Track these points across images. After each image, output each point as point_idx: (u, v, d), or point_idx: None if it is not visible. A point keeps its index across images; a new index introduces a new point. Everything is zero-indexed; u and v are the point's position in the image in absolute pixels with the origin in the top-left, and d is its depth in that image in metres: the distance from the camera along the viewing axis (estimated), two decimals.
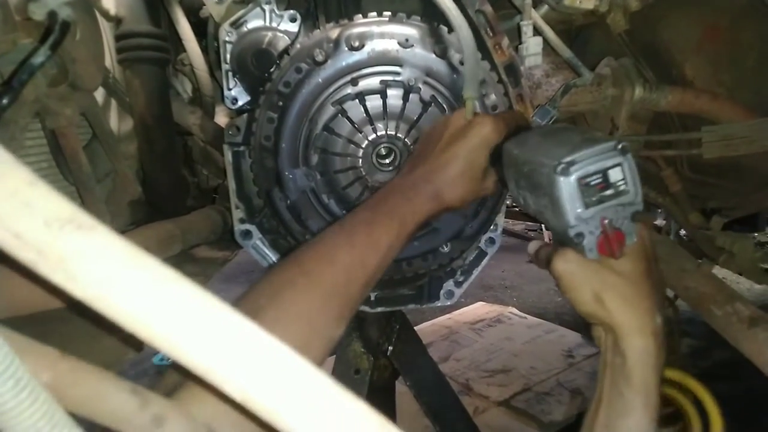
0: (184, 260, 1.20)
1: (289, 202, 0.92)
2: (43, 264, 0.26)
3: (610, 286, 0.67)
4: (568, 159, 0.63)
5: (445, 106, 0.89)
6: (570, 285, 0.69)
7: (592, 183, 0.64)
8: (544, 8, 1.03)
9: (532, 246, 0.81)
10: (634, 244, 0.67)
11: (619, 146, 0.64)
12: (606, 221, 0.65)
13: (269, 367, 0.28)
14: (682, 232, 3.31)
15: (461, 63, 0.88)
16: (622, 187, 0.65)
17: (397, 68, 0.88)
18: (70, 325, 0.65)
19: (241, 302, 0.59)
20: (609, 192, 0.65)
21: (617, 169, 0.65)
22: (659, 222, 2.57)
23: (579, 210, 0.64)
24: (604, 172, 0.64)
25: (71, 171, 0.97)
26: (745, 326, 0.92)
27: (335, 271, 0.64)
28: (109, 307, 0.27)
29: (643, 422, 0.65)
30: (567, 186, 0.63)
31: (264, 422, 0.28)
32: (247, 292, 0.61)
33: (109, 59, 1.14)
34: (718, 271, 1.34)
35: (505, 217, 1.03)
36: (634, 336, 0.65)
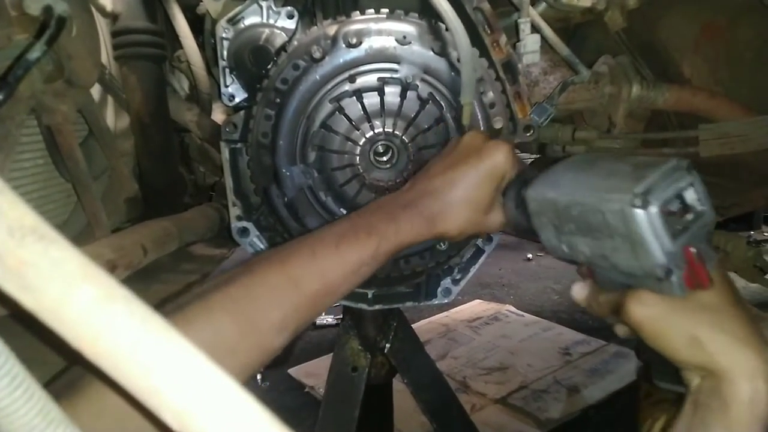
0: (180, 258, 1.20)
1: (286, 199, 0.92)
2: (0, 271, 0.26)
3: (707, 324, 0.57)
4: (640, 188, 0.54)
5: (442, 104, 0.89)
6: (658, 332, 0.59)
7: (673, 209, 0.56)
8: (542, 5, 1.03)
9: (579, 291, 0.69)
10: (713, 272, 0.58)
11: (684, 164, 0.57)
12: (693, 250, 0.56)
13: (204, 391, 0.27)
14: None
15: (459, 60, 0.88)
16: (699, 209, 0.57)
17: (394, 65, 0.88)
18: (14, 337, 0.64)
19: (181, 301, 0.57)
20: (690, 216, 0.57)
21: (691, 190, 0.57)
22: None
23: (668, 244, 0.54)
24: (680, 195, 0.56)
25: (67, 168, 0.97)
26: None
27: (283, 277, 0.61)
28: (58, 321, 0.26)
29: None
30: (650, 219, 0.54)
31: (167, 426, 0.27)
32: (201, 288, 0.59)
33: (106, 56, 1.13)
34: None
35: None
36: (742, 381, 0.55)
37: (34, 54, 0.66)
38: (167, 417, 0.27)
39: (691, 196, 0.57)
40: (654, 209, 0.54)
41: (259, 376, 2.77)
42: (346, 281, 0.65)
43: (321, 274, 0.63)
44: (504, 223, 0.76)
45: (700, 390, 0.58)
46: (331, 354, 1.27)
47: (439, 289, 1.02)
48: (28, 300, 0.26)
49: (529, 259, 4.60)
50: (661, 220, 0.54)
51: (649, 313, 0.59)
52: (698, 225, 0.57)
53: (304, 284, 0.61)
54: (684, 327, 0.57)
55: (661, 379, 0.67)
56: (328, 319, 3.48)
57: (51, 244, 0.27)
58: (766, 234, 4.18)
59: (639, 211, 0.54)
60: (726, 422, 0.55)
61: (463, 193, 0.71)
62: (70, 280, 0.26)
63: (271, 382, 2.77)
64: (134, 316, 0.27)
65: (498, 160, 0.71)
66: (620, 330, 0.68)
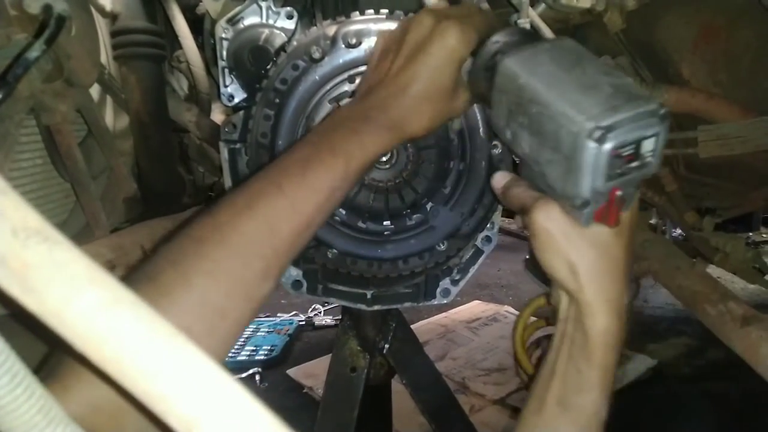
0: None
1: None
2: (3, 272, 0.26)
3: (588, 259, 0.61)
4: (607, 123, 0.52)
5: None
6: (547, 246, 0.63)
7: (624, 154, 0.54)
8: (541, 6, 1.04)
9: (500, 179, 0.72)
10: (624, 214, 0.61)
11: (662, 111, 0.54)
12: (619, 193, 0.56)
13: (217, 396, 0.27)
14: (677, 232, 3.33)
15: None
16: (648, 160, 0.56)
17: None
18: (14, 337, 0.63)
19: (143, 266, 0.53)
20: (635, 164, 0.56)
21: (652, 140, 0.55)
22: (654, 221, 2.59)
23: (600, 182, 0.54)
24: (638, 143, 0.55)
25: (66, 168, 0.97)
26: (737, 325, 0.92)
27: (256, 222, 0.56)
28: (62, 324, 0.26)
29: (599, 400, 0.62)
30: (598, 156, 0.53)
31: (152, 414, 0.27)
32: (155, 251, 0.54)
33: (105, 56, 1.13)
34: (713, 271, 1.35)
35: (502, 216, 1.03)
36: (600, 315, 0.61)
37: (34, 53, 0.66)
38: (174, 423, 0.26)
39: (648, 146, 0.55)
40: (607, 148, 0.52)
41: (257, 377, 2.77)
42: (321, 210, 0.61)
43: (293, 209, 0.58)
44: (469, 102, 0.73)
45: (567, 317, 0.64)
46: (330, 355, 1.27)
47: (438, 290, 1.02)
48: (31, 302, 0.26)
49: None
50: (606, 161, 0.53)
51: (548, 226, 0.62)
52: (639, 175, 0.57)
53: (279, 225, 0.57)
54: (570, 252, 0.61)
55: (532, 271, 0.73)
56: (326, 320, 3.48)
57: (55, 246, 0.26)
58: (764, 235, 4.19)
59: (592, 144, 0.52)
60: (587, 351, 0.62)
61: (421, 89, 0.66)
62: (75, 282, 0.26)
63: (269, 382, 2.77)
64: (141, 320, 0.27)
65: (451, 45, 0.65)
66: (517, 222, 0.72)
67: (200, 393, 0.26)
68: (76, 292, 0.26)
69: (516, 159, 0.73)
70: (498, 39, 0.67)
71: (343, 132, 0.64)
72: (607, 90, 0.55)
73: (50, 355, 0.48)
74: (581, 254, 0.61)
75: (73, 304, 0.26)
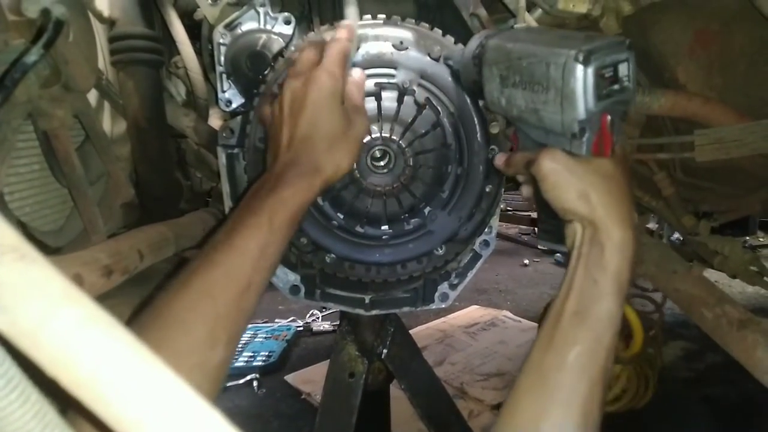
0: (176, 263, 1.19)
1: None
2: None
3: (596, 184, 0.68)
4: (588, 47, 0.61)
5: (439, 109, 0.90)
6: (557, 183, 0.70)
7: (606, 75, 0.63)
8: (538, 12, 1.04)
9: (501, 158, 0.82)
10: (617, 146, 0.69)
11: (627, 42, 0.64)
12: (609, 119, 0.65)
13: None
14: (674, 236, 3.33)
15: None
16: (626, 83, 0.65)
17: (391, 71, 0.88)
18: None
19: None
20: (616, 87, 0.64)
21: (625, 65, 0.64)
22: (652, 225, 2.59)
23: (592, 102, 0.62)
24: (615, 66, 0.64)
25: (63, 173, 0.97)
26: (734, 328, 0.93)
27: (193, 296, 0.60)
28: (35, 346, 0.25)
29: (614, 308, 0.66)
30: (586, 75, 0.61)
31: None
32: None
33: (102, 61, 1.13)
34: (711, 275, 1.35)
35: (499, 221, 1.03)
36: (615, 227, 0.67)
37: (32, 57, 0.66)
38: None
39: (623, 70, 0.64)
40: (592, 67, 0.61)
41: (255, 383, 2.76)
42: (258, 269, 0.65)
43: (228, 276, 0.62)
44: (367, 123, 0.80)
45: (582, 242, 0.69)
46: (328, 360, 1.26)
47: (437, 294, 1.02)
48: (2, 322, 0.25)
49: (525, 265, 4.61)
50: (593, 79, 0.61)
51: (555, 166, 0.69)
52: (620, 98, 0.65)
53: (217, 293, 0.61)
54: (579, 182, 0.68)
55: (544, 239, 0.80)
56: (324, 326, 3.47)
57: (32, 264, 0.26)
58: (761, 239, 4.20)
59: (579, 66, 0.61)
60: (602, 263, 0.67)
61: (321, 135, 0.73)
62: (51, 301, 0.25)
63: (267, 388, 2.75)
64: (118, 342, 0.26)
65: (324, 85, 0.73)
66: (525, 191, 0.81)
67: (180, 422, 0.26)
68: (51, 311, 0.25)
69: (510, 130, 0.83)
70: (478, 37, 0.79)
71: (261, 194, 0.69)
72: (580, 36, 0.67)
73: None
74: (589, 181, 0.68)
75: (48, 324, 0.25)
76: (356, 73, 0.82)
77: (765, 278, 1.51)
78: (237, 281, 0.63)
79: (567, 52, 0.62)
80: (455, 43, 0.89)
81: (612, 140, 0.66)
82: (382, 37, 0.87)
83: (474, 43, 0.78)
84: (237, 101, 0.95)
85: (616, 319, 0.67)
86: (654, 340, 1.96)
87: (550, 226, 0.77)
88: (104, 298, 0.77)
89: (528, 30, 0.74)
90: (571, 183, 0.69)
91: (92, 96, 1.11)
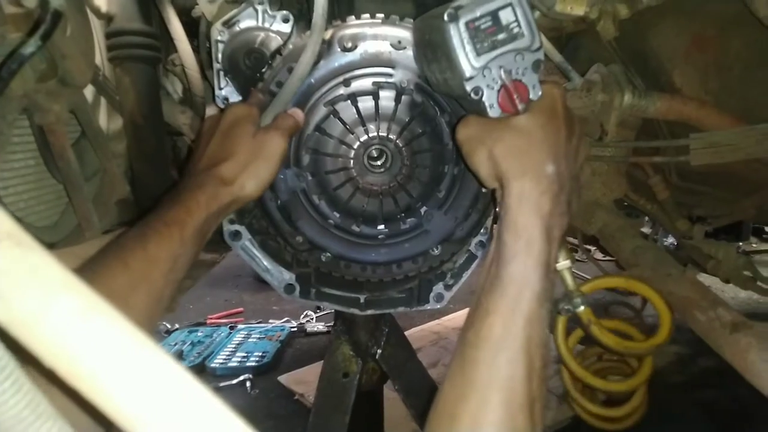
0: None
1: (279, 202, 0.92)
2: None
3: (501, 140, 0.65)
4: (454, 5, 0.61)
5: (436, 108, 0.90)
6: (470, 150, 0.68)
7: (482, 27, 0.61)
8: (535, 14, 1.04)
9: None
10: (540, 99, 0.65)
11: None
12: (503, 71, 0.62)
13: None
14: (668, 241, 3.35)
15: None
16: (515, 30, 0.62)
17: (389, 70, 0.88)
18: None
19: None
20: (501, 36, 0.62)
21: (508, 10, 0.62)
22: (646, 229, 2.60)
23: (471, 57, 0.61)
24: (493, 14, 0.62)
25: (59, 169, 0.96)
26: (726, 331, 0.93)
27: (111, 298, 0.59)
28: (32, 335, 0.24)
29: (527, 267, 0.61)
30: (455, 32, 0.61)
31: None
32: None
33: (99, 57, 1.13)
34: (705, 280, 1.35)
35: (495, 223, 1.03)
36: (512, 181, 0.64)
37: (29, 49, 0.65)
38: None
39: (507, 16, 0.62)
40: (460, 23, 0.60)
41: (248, 384, 2.75)
42: (169, 278, 0.65)
43: (141, 282, 0.62)
44: (282, 137, 0.81)
45: (499, 205, 0.66)
46: (322, 361, 1.26)
47: (432, 295, 1.02)
48: (1, 310, 0.24)
49: None
50: (465, 32, 0.60)
51: (467, 132, 0.67)
52: (514, 47, 0.62)
53: (132, 298, 0.61)
54: (486, 141, 0.65)
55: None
56: (318, 327, 3.46)
57: (29, 251, 0.25)
58: (754, 245, 4.22)
59: (447, 24, 0.60)
60: (507, 220, 0.63)
61: (224, 154, 0.77)
62: (49, 289, 0.25)
63: (260, 389, 2.74)
64: (117, 331, 0.26)
65: (233, 114, 0.80)
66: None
67: (183, 414, 0.25)
68: (50, 299, 0.24)
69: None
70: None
71: (171, 205, 0.71)
72: None
73: None
74: (495, 139, 0.65)
75: (46, 313, 0.24)
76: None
77: (758, 283, 1.51)
78: (151, 289, 0.63)
79: (439, 14, 0.61)
80: None
81: (521, 94, 0.63)
82: (380, 37, 0.87)
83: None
84: (234, 98, 0.95)
85: (530, 280, 0.61)
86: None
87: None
88: None
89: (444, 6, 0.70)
90: (481, 147, 0.66)
91: (89, 92, 1.10)
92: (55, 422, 0.26)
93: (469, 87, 0.62)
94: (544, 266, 0.62)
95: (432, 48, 0.67)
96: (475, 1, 0.61)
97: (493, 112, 0.64)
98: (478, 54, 0.61)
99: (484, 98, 0.63)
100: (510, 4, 0.62)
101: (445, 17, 0.60)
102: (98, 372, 0.25)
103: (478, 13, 0.61)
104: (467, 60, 0.61)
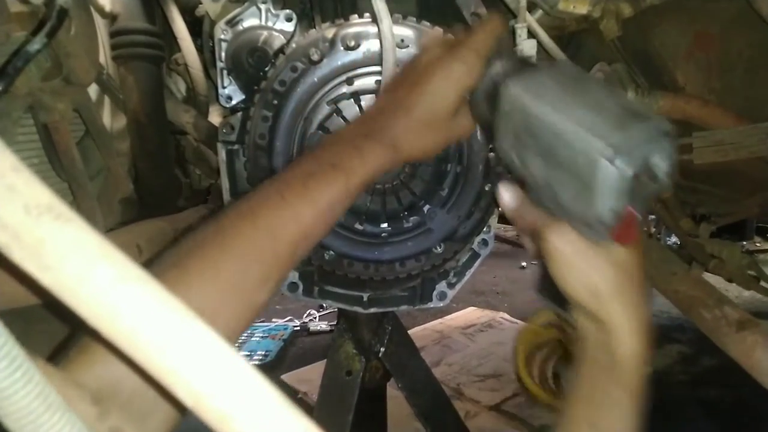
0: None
1: None
2: (17, 249, 0.26)
3: (609, 280, 0.60)
4: (623, 145, 0.51)
5: None
6: (564, 268, 0.62)
7: (643, 179, 0.53)
8: (539, 12, 1.05)
9: (510, 198, 0.69)
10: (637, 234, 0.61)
11: (668, 129, 0.54)
12: (634, 212, 0.55)
13: (223, 374, 0.28)
14: (672, 240, 3.34)
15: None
16: (662, 180, 0.55)
17: None
18: (51, 324, 0.63)
19: (153, 270, 0.55)
20: (651, 185, 0.55)
21: (666, 160, 0.54)
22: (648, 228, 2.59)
23: (621, 205, 0.53)
24: (653, 163, 0.53)
25: (63, 167, 0.97)
26: (733, 329, 0.93)
27: (257, 228, 0.56)
28: (76, 299, 0.27)
29: (630, 419, 0.61)
30: (621, 180, 0.51)
31: (165, 389, 0.28)
32: (160, 254, 0.55)
33: (103, 56, 1.13)
34: (709, 279, 1.35)
35: (498, 223, 1.03)
36: (628, 338, 0.60)
37: (35, 46, 0.66)
38: (182, 395, 0.27)
39: (661, 166, 0.54)
40: (629, 172, 0.51)
41: None
42: (322, 222, 0.61)
43: (295, 219, 0.59)
44: (472, 126, 0.73)
45: (591, 344, 0.62)
46: (325, 360, 1.26)
47: (435, 293, 1.02)
48: (46, 278, 0.26)
49: (523, 267, 4.61)
50: (629, 184, 0.52)
51: (564, 248, 0.61)
52: (652, 191, 0.55)
53: (280, 232, 0.58)
54: (591, 273, 0.60)
55: (544, 295, 0.70)
56: (321, 326, 3.47)
57: (67, 223, 0.27)
58: (758, 245, 4.21)
59: (613, 169, 0.51)
60: (616, 374, 0.60)
61: (421, 115, 0.67)
62: (88, 258, 0.27)
63: None
64: (151, 296, 0.28)
65: (457, 74, 0.66)
66: (527, 244, 0.71)
67: (208, 368, 0.27)
68: (89, 268, 0.26)
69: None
70: (497, 65, 0.66)
71: (346, 147, 0.64)
72: (616, 110, 0.54)
73: (69, 339, 0.48)
74: (602, 275, 0.60)
75: (87, 280, 0.26)
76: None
77: (762, 282, 1.51)
78: (300, 227, 0.59)
79: (600, 146, 0.51)
80: None
81: (636, 230, 0.58)
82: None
83: (488, 78, 0.67)
84: (237, 97, 0.95)
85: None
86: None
87: (553, 287, 0.66)
88: None
89: (557, 81, 0.59)
90: (582, 271, 0.61)
91: (92, 90, 1.11)
92: (65, 413, 0.27)
93: (596, 223, 0.55)
94: (639, 412, 0.62)
95: (548, 153, 0.57)
96: (639, 142, 0.52)
97: (606, 240, 0.57)
98: (629, 202, 0.53)
99: (602, 231, 0.55)
100: (669, 152, 0.54)
101: (618, 161, 0.50)
102: (136, 332, 0.27)
103: (646, 161, 0.52)
104: (613, 206, 0.53)
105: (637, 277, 0.62)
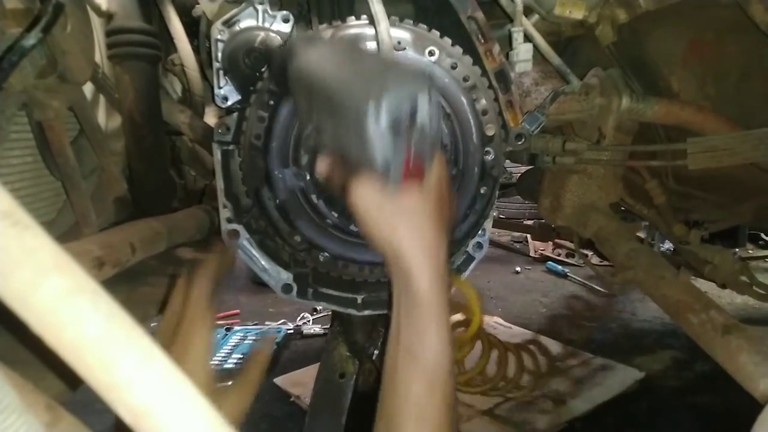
0: (167, 262, 1.17)
1: (278, 201, 0.92)
2: None
3: (404, 225, 0.67)
4: (377, 94, 0.61)
5: None
6: (368, 218, 0.68)
7: (402, 123, 0.63)
8: (535, 17, 1.05)
9: (322, 165, 0.75)
10: (428, 175, 0.68)
11: (424, 83, 0.64)
12: (412, 152, 0.64)
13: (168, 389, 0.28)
14: (665, 246, 3.35)
15: (453, 67, 0.89)
16: (426, 122, 0.64)
17: None
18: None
19: None
20: (416, 131, 0.64)
21: (425, 109, 0.64)
22: (642, 234, 2.60)
23: (390, 151, 0.62)
24: (413, 111, 0.63)
25: (57, 165, 0.96)
26: (718, 334, 0.93)
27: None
28: (25, 308, 0.26)
29: (441, 338, 0.66)
30: (379, 130, 0.61)
31: None
32: None
33: (99, 55, 1.13)
34: (701, 285, 1.35)
35: (492, 227, 1.03)
36: (427, 276, 0.66)
37: (30, 41, 0.65)
38: (123, 413, 0.27)
39: (422, 111, 0.63)
40: (385, 119, 0.61)
41: None
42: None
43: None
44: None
45: (397, 285, 0.69)
46: (318, 364, 1.25)
47: None
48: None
49: (517, 273, 4.61)
50: (388, 134, 0.61)
51: (363, 201, 0.67)
52: (423, 136, 0.64)
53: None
54: (386, 222, 0.67)
55: None
56: (315, 329, 3.46)
57: (25, 230, 0.27)
58: (750, 251, 4.23)
59: (372, 118, 0.60)
60: (417, 306, 0.66)
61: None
62: (42, 267, 0.26)
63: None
64: (100, 310, 0.28)
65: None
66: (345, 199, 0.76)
67: (152, 387, 0.27)
68: (40, 278, 0.26)
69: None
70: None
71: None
72: (379, 69, 0.65)
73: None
74: (397, 221, 0.67)
75: (37, 289, 0.26)
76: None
77: (755, 288, 1.52)
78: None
79: (362, 99, 0.61)
80: (452, 45, 0.90)
81: (420, 172, 0.66)
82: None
83: (278, 56, 0.77)
84: (233, 98, 0.95)
85: (446, 350, 0.67)
86: None
87: None
88: None
89: (332, 50, 0.70)
90: (379, 221, 0.68)
91: (88, 89, 1.10)
92: (20, 416, 0.27)
93: (380, 167, 0.63)
94: (450, 329, 0.69)
95: (332, 109, 0.65)
96: (397, 95, 0.62)
97: (395, 187, 0.65)
98: (396, 147, 0.63)
99: (391, 174, 0.64)
100: (428, 101, 0.64)
101: (369, 114, 0.60)
102: (79, 343, 0.27)
103: (403, 111, 0.62)
104: (383, 152, 0.62)
105: (435, 214, 0.68)
